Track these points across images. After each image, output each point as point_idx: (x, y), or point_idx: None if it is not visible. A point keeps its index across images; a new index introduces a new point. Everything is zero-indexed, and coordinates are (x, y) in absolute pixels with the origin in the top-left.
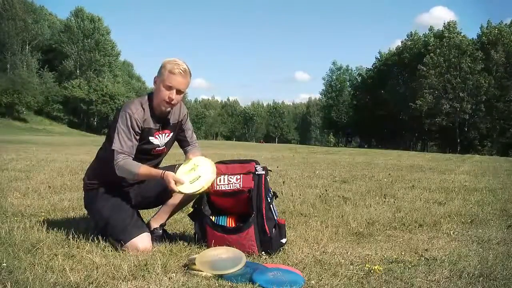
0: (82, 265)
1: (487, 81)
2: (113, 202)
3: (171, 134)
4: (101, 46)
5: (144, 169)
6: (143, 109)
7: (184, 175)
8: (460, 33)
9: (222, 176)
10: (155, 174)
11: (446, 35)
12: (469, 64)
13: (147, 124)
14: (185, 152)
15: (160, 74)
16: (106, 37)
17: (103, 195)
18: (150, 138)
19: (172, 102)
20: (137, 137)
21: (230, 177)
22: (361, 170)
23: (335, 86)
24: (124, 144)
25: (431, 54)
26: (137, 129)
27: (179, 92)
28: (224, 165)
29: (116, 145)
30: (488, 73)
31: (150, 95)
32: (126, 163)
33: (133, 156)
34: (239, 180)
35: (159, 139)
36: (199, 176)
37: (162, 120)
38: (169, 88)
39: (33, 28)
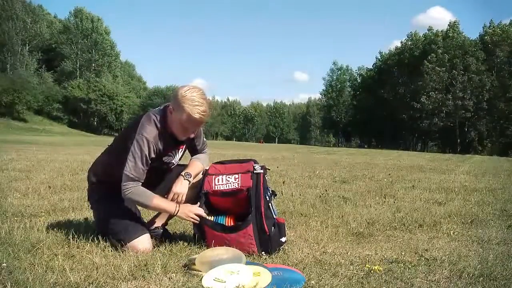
0: (82, 265)
1: (489, 81)
2: (116, 202)
3: (184, 147)
4: (100, 46)
5: (157, 201)
6: (158, 131)
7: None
8: (462, 32)
9: (221, 176)
10: (168, 209)
11: (450, 34)
12: (475, 64)
13: (162, 145)
14: (191, 161)
15: (178, 111)
16: (105, 37)
17: (107, 193)
18: (164, 158)
19: (191, 137)
20: (149, 162)
21: (228, 177)
22: (361, 170)
23: (335, 86)
24: (136, 169)
25: (439, 51)
26: (152, 155)
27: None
28: (222, 165)
29: (127, 170)
30: (490, 73)
31: (165, 117)
32: (137, 193)
33: (143, 181)
34: (237, 180)
35: (173, 156)
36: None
37: (176, 139)
38: (189, 129)
39: (32, 28)
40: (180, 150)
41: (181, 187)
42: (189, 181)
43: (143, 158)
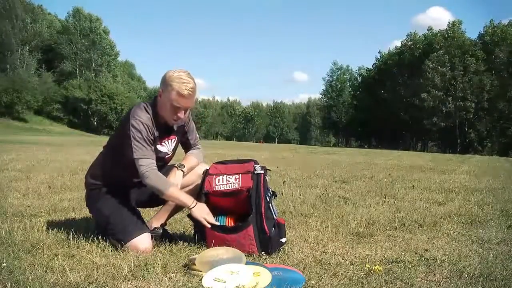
0: (82, 265)
1: (489, 81)
2: (115, 202)
3: (176, 138)
4: (99, 45)
5: (173, 190)
6: (150, 116)
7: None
8: (464, 32)
9: (221, 176)
10: (185, 202)
11: (451, 34)
12: (474, 64)
13: (154, 131)
14: (186, 156)
15: (166, 91)
16: (103, 36)
17: (105, 194)
18: (158, 146)
19: (181, 120)
20: (152, 141)
21: (229, 177)
22: (361, 170)
23: (335, 86)
24: (145, 151)
25: (439, 52)
26: (150, 136)
27: (187, 109)
28: (223, 165)
29: (137, 154)
30: (490, 73)
31: (155, 102)
32: (157, 176)
33: (154, 160)
34: (237, 180)
35: (166, 146)
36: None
37: (167, 127)
38: (178, 108)
39: (32, 27)
40: (173, 140)
41: (175, 178)
42: (183, 172)
43: (145, 139)
